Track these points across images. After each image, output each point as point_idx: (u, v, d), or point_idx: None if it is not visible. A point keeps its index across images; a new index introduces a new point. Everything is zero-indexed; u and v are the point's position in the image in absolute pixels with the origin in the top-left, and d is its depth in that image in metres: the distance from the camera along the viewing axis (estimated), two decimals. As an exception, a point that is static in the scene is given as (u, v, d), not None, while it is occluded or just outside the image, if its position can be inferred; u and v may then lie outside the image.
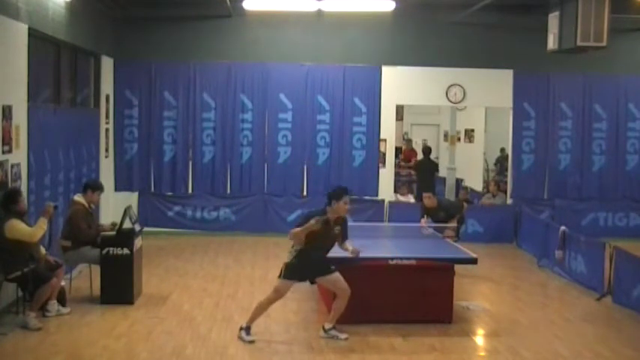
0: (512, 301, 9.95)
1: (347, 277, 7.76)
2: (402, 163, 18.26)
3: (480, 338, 8.37)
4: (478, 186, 18.23)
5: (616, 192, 14.75)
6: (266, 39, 14.02)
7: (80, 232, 9.02)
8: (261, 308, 7.86)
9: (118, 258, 8.86)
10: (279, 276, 7.75)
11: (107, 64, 13.33)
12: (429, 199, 11.31)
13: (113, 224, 9.40)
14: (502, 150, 20.03)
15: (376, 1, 12.79)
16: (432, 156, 17.87)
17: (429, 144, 18.67)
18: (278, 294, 7.79)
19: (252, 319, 7.83)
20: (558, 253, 11.17)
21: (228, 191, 14.21)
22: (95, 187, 9.58)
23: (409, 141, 20.04)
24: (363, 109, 14.23)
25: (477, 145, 19.72)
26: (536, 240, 12.46)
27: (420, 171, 16.34)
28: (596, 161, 14.74)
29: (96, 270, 9.12)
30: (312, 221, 7.43)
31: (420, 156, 17.85)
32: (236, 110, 14.09)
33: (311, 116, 14.19)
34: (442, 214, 11.12)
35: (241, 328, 7.81)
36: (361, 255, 7.87)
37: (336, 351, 7.49)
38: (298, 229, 7.50)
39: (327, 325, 7.89)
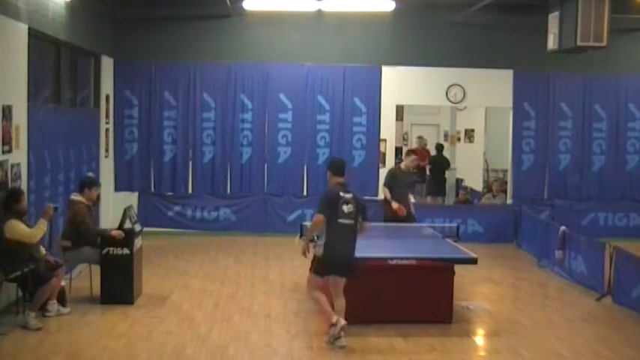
0: (512, 301, 9.95)
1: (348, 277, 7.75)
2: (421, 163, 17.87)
3: (479, 338, 8.37)
4: (478, 186, 18.22)
5: (616, 192, 14.74)
6: (266, 39, 14.01)
7: (84, 227, 8.92)
8: None
9: (118, 258, 8.87)
10: None
11: (107, 64, 13.33)
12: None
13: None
14: None
15: (376, 1, 12.80)
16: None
17: (429, 144, 18.61)
18: None
19: None
20: (558, 253, 11.17)
21: (228, 191, 14.20)
22: (91, 183, 9.42)
23: (420, 138, 19.23)
24: (363, 109, 14.23)
25: (477, 145, 19.68)
26: (536, 240, 12.46)
27: (433, 167, 16.69)
28: (596, 161, 14.74)
29: (96, 270, 9.12)
30: None
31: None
32: (236, 110, 14.09)
33: (311, 116, 14.19)
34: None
35: None
36: (361, 254, 7.86)
37: (336, 351, 7.47)
38: None
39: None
